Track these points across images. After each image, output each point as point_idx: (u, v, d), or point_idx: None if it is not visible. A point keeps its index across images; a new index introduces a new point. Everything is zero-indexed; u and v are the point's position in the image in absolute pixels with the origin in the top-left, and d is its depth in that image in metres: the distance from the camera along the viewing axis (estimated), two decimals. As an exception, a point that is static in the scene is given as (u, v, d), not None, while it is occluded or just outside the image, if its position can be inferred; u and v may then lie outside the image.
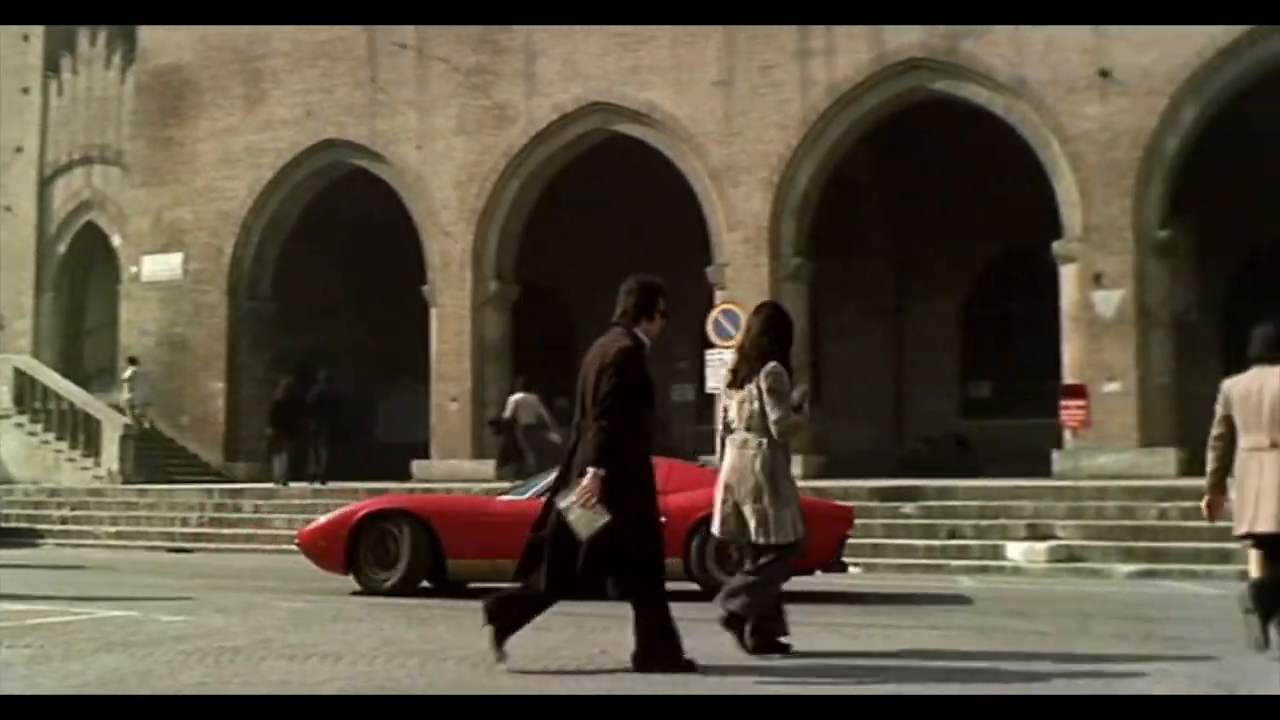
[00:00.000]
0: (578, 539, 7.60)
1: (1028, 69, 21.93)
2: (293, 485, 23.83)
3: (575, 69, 25.25)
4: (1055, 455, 21.31)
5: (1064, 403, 21.04)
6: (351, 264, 30.00)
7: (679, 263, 26.38)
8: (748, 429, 8.67)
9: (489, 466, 24.95)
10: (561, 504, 7.65)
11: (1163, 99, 21.08)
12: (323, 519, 14.07)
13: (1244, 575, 15.51)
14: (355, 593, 12.96)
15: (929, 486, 19.06)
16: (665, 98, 24.50)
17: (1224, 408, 8.83)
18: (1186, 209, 22.60)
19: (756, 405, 8.60)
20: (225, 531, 22.19)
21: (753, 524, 8.48)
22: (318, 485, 23.65)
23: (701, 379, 22.40)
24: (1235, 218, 24.66)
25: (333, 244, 29.41)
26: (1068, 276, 21.88)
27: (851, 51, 23.10)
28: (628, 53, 24.74)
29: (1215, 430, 8.91)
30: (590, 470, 7.51)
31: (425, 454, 26.09)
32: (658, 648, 7.76)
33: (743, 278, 23.72)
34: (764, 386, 8.57)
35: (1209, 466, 8.97)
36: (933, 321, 28.43)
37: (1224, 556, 16.16)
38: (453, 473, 24.48)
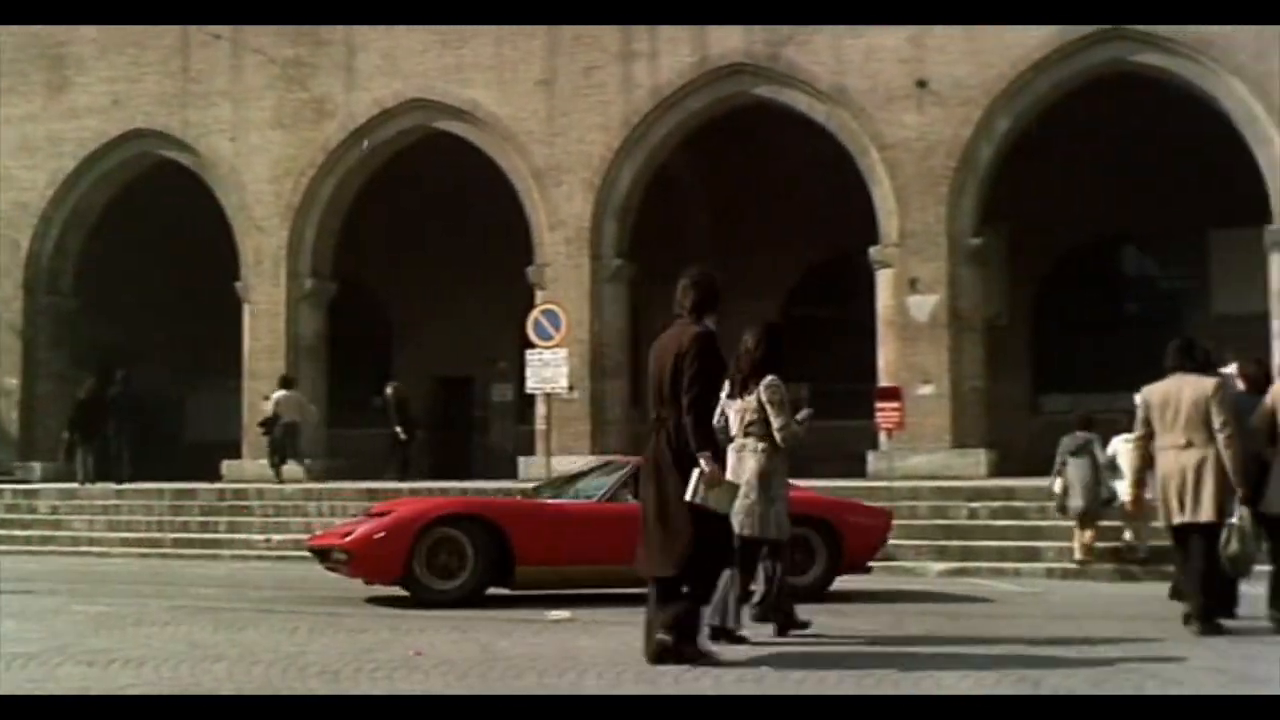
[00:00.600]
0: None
1: (847, 77, 22.24)
2: (95, 486, 23.01)
3: (396, 64, 24.84)
4: (870, 456, 21.64)
5: (879, 405, 21.37)
6: (163, 258, 29.02)
7: (499, 262, 26.28)
8: (745, 435, 9.47)
9: (300, 467, 24.43)
10: (692, 498, 7.87)
11: (977, 110, 21.56)
12: (369, 523, 12.68)
13: (1051, 573, 16.03)
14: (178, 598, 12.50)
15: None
16: (487, 96, 24.26)
17: (1144, 412, 10.07)
18: (999, 217, 23.16)
19: (756, 414, 9.40)
20: (18, 533, 21.28)
21: (739, 518, 8.97)
22: (120, 486, 22.88)
23: (521, 379, 22.21)
24: (1045, 226, 25.33)
25: (143, 237, 28.41)
26: (884, 282, 22.25)
27: (675, 55, 23.16)
28: (450, 50, 24.43)
29: (1136, 432, 10.19)
30: (701, 458, 7.87)
31: (237, 454, 25.40)
32: (683, 643, 7.98)
33: (564, 278, 23.60)
34: (765, 398, 9.37)
35: (1132, 466, 10.29)
36: (753, 323, 28.56)
37: (1032, 555, 16.61)
38: (265, 473, 23.85)
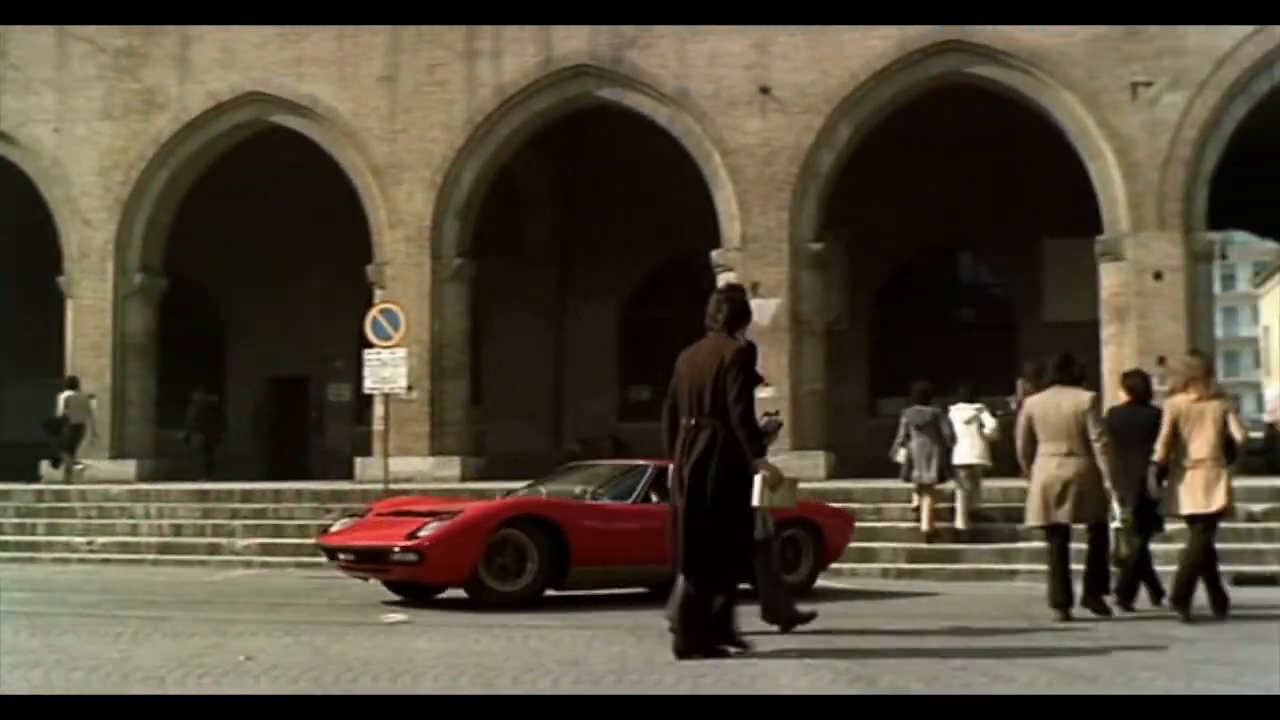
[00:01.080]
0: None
1: (691, 82, 22.26)
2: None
3: (233, 57, 24.18)
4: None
5: (720, 408, 21.43)
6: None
7: (337, 260, 25.79)
8: None
9: (129, 467, 23.71)
10: (760, 502, 8.60)
11: (819, 117, 21.73)
12: (436, 524, 11.99)
13: (886, 573, 16.20)
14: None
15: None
16: (327, 91, 23.77)
17: (1027, 422, 11.07)
18: (840, 223, 23.41)
19: None
20: None
21: None
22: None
23: (359, 379, 21.80)
24: (885, 232, 25.72)
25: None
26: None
27: (519, 55, 22.94)
28: (289, 43, 23.86)
29: (1020, 439, 11.12)
30: (762, 465, 8.48)
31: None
32: (719, 633, 8.44)
33: (404, 277, 23.22)
34: None
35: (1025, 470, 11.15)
36: (595, 325, 28.60)
37: (869, 556, 16.74)
38: (80, 474, 23.04)
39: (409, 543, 11.90)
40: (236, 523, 19.58)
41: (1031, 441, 10.95)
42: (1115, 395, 20.19)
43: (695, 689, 7.32)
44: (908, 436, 16.52)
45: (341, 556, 12.70)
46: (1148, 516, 11.19)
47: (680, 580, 8.47)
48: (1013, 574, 15.74)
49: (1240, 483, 17.31)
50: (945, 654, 8.85)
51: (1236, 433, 10.65)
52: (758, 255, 22.05)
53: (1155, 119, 20.19)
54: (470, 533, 11.93)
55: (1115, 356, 20.22)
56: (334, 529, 13.41)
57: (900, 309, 27.54)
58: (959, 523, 16.73)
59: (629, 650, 8.93)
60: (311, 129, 23.95)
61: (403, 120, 23.43)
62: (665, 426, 8.76)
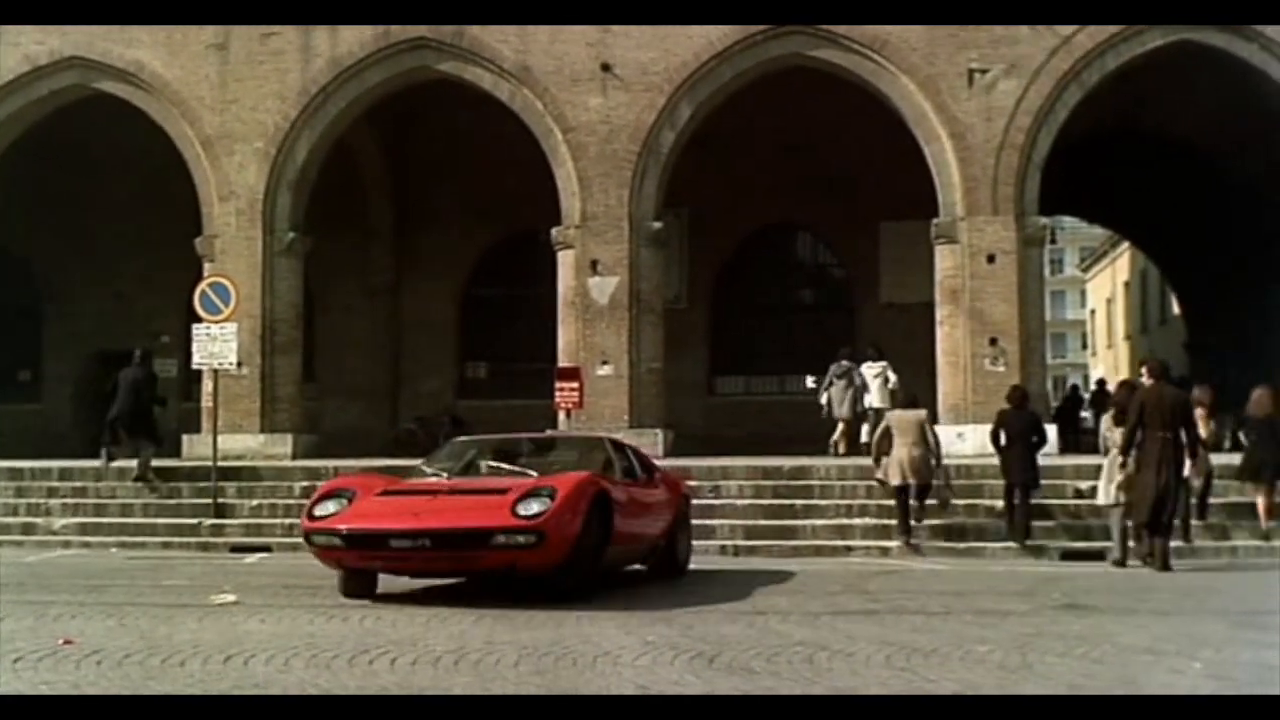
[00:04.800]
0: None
1: (532, 58, 22.01)
2: None
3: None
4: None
5: (558, 385, 21.28)
6: None
7: (164, 232, 25.01)
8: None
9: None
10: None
11: (661, 95, 21.65)
12: (540, 499, 10.33)
13: (724, 550, 16.25)
14: None
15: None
16: (155, 58, 22.97)
17: (885, 424, 16.35)
18: (680, 202, 23.41)
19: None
20: None
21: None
22: None
23: (188, 354, 21.14)
24: (726, 212, 25.82)
25: None
26: (565, 262, 22.15)
27: (356, 26, 22.45)
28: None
29: (879, 431, 16.36)
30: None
31: None
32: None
33: (234, 250, 22.58)
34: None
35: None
36: (433, 303, 28.20)
37: (707, 533, 16.73)
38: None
39: (524, 522, 10.18)
40: (54, 501, 18.89)
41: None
42: (946, 377, 20.68)
43: (538, 668, 7.21)
44: (830, 383, 21.07)
45: (396, 544, 10.46)
46: None
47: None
48: (848, 550, 15.95)
49: (1070, 461, 17.89)
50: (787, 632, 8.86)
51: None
52: (597, 233, 21.92)
53: (991, 105, 20.54)
54: (579, 507, 10.52)
55: (949, 338, 20.59)
56: (326, 513, 10.88)
57: (739, 289, 27.69)
58: (863, 438, 19.80)
59: (468, 629, 8.77)
60: (137, 97, 23.13)
61: (234, 90, 22.77)
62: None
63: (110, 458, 19.53)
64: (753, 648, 8.00)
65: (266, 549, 16.70)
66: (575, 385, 21.25)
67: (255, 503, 18.50)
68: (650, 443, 21.15)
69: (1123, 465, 13.61)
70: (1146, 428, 13.34)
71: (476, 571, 10.85)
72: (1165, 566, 13.29)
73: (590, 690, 6.68)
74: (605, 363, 21.74)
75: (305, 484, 18.27)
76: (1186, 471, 13.80)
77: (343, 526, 10.55)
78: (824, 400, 21.19)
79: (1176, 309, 37.06)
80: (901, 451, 15.84)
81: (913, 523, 15.93)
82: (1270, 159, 25.29)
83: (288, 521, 17.09)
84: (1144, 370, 14.42)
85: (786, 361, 27.24)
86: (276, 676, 6.87)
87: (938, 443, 16.17)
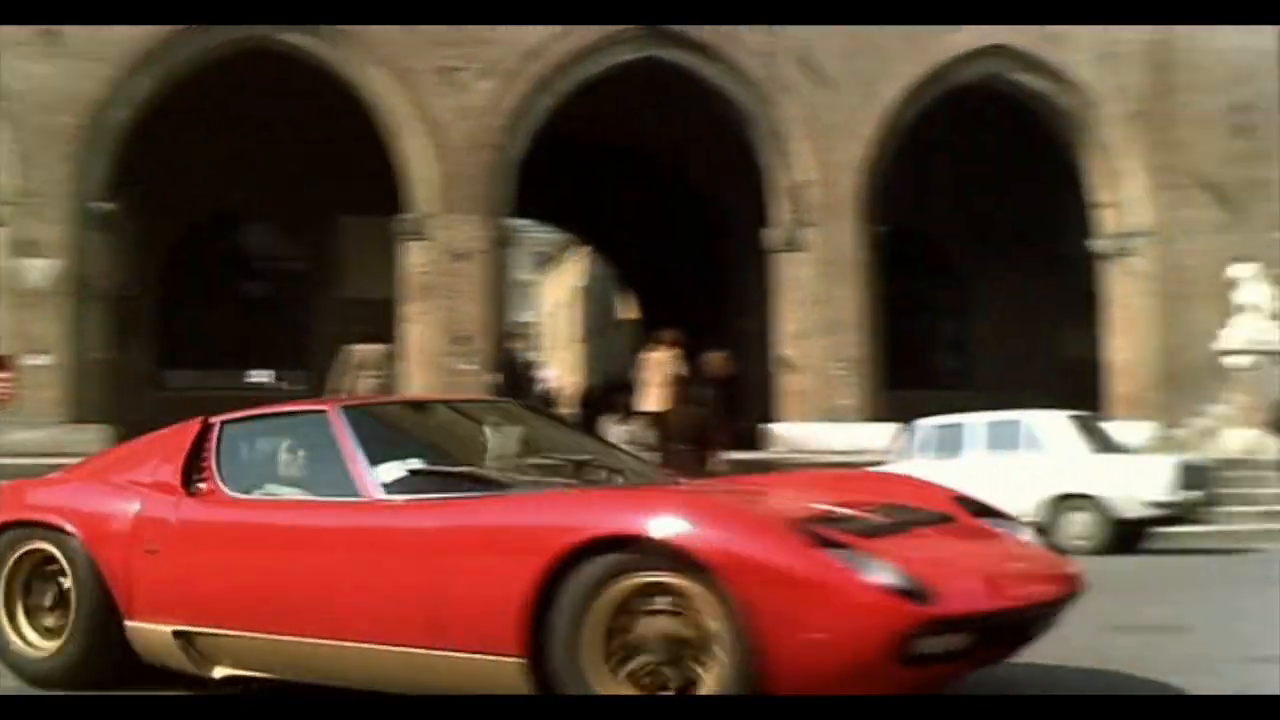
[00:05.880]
0: None
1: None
2: None
3: None
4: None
5: (-11, 376, 19.46)
6: None
7: None
8: None
9: None
10: None
11: (116, 68, 20.17)
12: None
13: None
14: None
15: None
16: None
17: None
18: (133, 183, 21.93)
19: None
20: None
21: None
22: None
23: None
24: (179, 197, 24.54)
25: None
26: (-1, 243, 20.24)
27: None
28: None
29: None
30: None
31: None
32: None
33: None
34: None
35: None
36: None
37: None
38: None
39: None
40: None
41: None
42: (415, 375, 20.46)
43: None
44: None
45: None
46: None
47: None
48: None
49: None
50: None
51: None
52: (36, 212, 20.16)
53: (466, 104, 20.55)
54: None
55: (420, 335, 20.45)
56: None
57: (191, 277, 26.43)
58: None
59: None
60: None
61: None
62: None
63: None
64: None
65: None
66: (6, 376, 19.47)
67: None
68: (93, 440, 19.68)
69: None
70: None
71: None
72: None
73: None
74: (43, 352, 20.06)
75: None
76: None
77: None
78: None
79: (633, 314, 38.25)
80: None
81: None
82: (711, 160, 26.52)
83: None
84: None
85: (238, 355, 26.32)
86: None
87: None
